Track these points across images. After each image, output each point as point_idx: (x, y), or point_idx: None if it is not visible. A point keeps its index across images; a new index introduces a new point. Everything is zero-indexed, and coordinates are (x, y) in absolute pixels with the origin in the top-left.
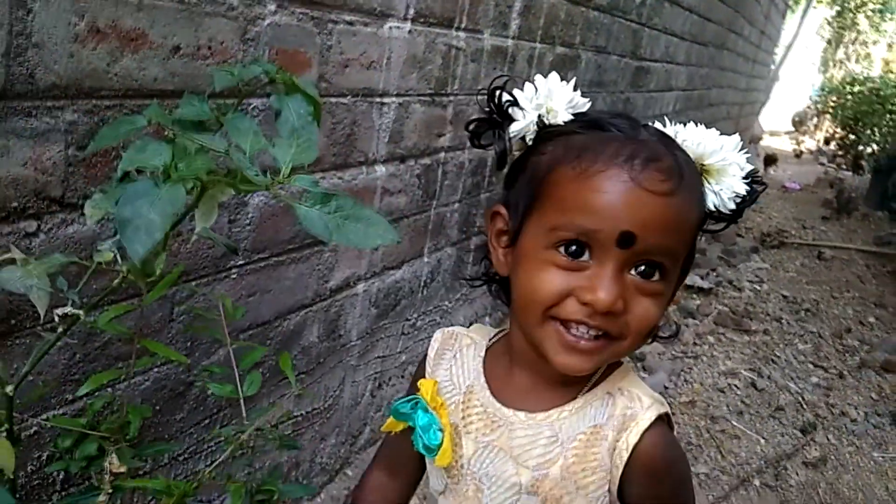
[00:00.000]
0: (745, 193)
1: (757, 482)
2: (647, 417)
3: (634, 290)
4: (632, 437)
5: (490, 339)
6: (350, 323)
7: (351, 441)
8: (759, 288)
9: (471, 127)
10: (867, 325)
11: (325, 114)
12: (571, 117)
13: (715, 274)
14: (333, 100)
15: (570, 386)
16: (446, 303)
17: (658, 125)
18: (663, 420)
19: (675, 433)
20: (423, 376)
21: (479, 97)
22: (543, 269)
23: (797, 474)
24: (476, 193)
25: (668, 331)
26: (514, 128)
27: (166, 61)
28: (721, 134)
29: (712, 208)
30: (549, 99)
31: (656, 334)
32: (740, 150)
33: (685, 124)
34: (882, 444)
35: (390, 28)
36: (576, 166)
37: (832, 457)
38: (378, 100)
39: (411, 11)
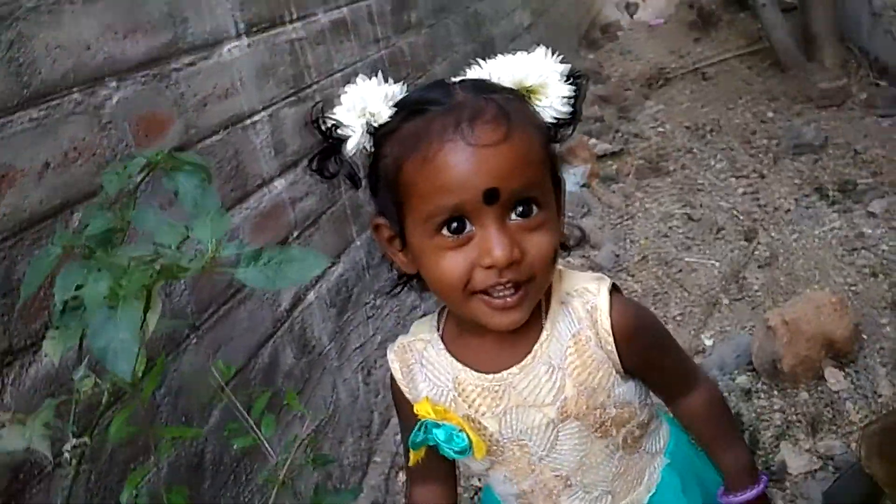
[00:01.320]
0: (572, 93)
1: (725, 300)
2: (604, 300)
3: (522, 231)
4: (605, 322)
5: (438, 329)
6: (317, 331)
7: (366, 433)
8: (662, 129)
9: (313, 166)
10: (768, 122)
11: (209, 156)
12: (393, 110)
13: (619, 134)
14: (209, 141)
15: (531, 324)
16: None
17: (470, 72)
18: (614, 291)
19: (624, 294)
20: (403, 398)
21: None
22: (439, 257)
23: (757, 278)
24: None
25: (575, 239)
26: (350, 146)
27: (42, 181)
28: (529, 52)
29: (552, 121)
30: (366, 104)
31: (568, 248)
32: (552, 58)
33: (495, 56)
34: (818, 220)
35: (229, 50)
36: (417, 157)
37: (780, 250)
38: (248, 121)
39: (241, 27)
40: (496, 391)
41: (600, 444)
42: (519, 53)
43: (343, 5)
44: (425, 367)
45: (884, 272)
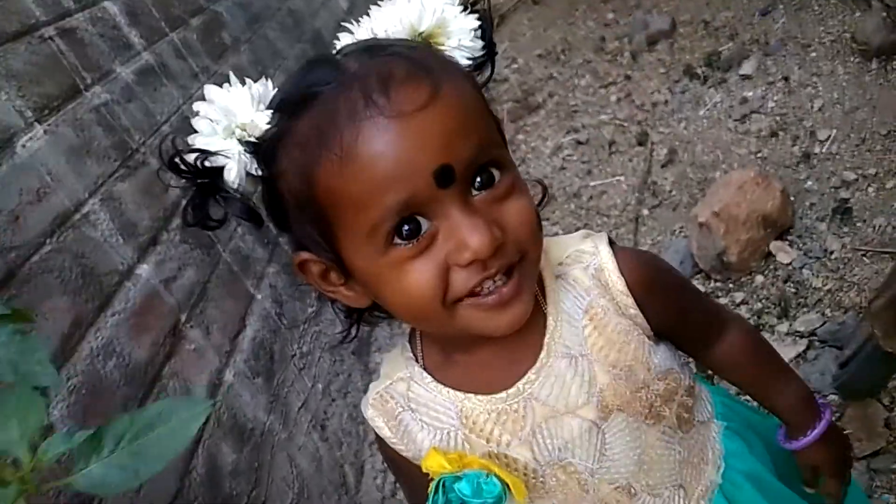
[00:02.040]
0: (478, 24)
1: (645, 211)
2: (608, 258)
3: (491, 204)
4: (618, 283)
5: (417, 360)
6: (249, 411)
7: (343, 492)
8: (517, 66)
9: (190, 220)
10: (612, 23)
11: (44, 275)
12: (270, 112)
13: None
14: (37, 257)
15: (533, 315)
16: (309, 309)
17: (349, 35)
18: (610, 242)
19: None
20: (400, 459)
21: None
22: (401, 272)
23: (665, 179)
24: None
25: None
26: (230, 177)
27: None
28: None
29: (469, 62)
30: (232, 117)
31: (544, 201)
32: None
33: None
34: (698, 101)
35: (24, 146)
36: (328, 156)
37: (676, 143)
38: (77, 216)
39: (29, 114)
40: (515, 410)
41: (655, 433)
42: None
43: (141, 50)
44: (417, 411)
45: (781, 129)
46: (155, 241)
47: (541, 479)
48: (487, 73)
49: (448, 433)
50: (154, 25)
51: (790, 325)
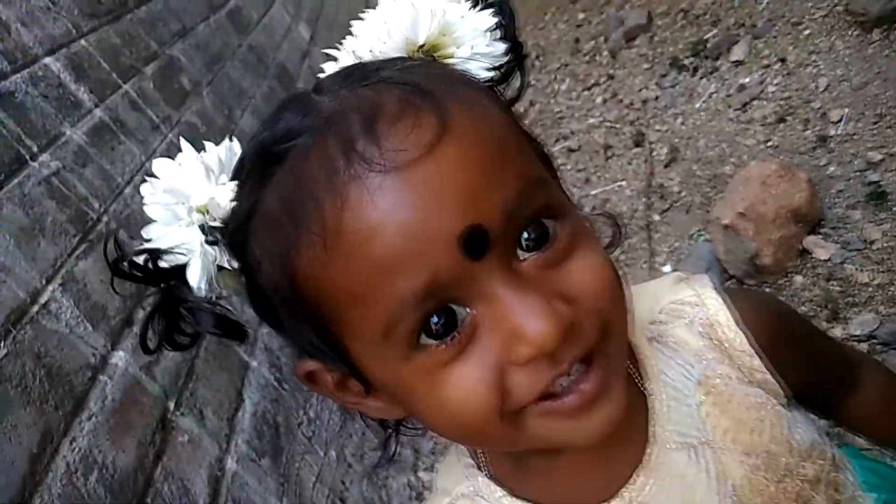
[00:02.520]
0: (496, 20)
1: (656, 217)
2: (716, 307)
3: (551, 268)
4: (740, 340)
5: (480, 467)
6: (259, 499)
7: None
8: None
9: (151, 345)
10: (584, 24)
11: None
12: (234, 187)
13: None
14: None
15: (630, 398)
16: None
17: (333, 64)
18: (716, 287)
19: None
20: None
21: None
22: (438, 382)
23: (671, 179)
24: None
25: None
26: (194, 279)
27: None
28: None
29: (489, 74)
30: (188, 199)
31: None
32: None
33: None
34: (691, 93)
35: None
36: (308, 238)
37: (675, 140)
38: (35, 308)
39: None
40: None
41: None
42: (384, 3)
43: (92, 107)
44: None
45: (788, 113)
46: (129, 322)
47: None
48: (517, 85)
49: None
50: (104, 78)
51: (844, 329)
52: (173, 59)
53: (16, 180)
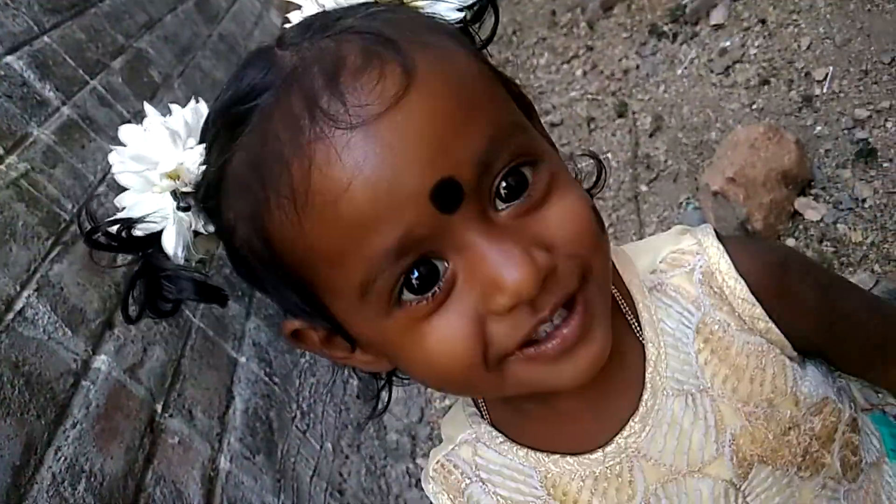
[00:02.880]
0: None
1: (643, 187)
2: (716, 255)
3: (528, 215)
4: (739, 287)
5: (482, 414)
6: (255, 497)
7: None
8: None
9: (132, 314)
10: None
11: None
12: (202, 150)
13: None
14: None
15: (621, 344)
16: (302, 360)
17: (296, 12)
18: (719, 237)
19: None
20: None
21: None
22: (419, 336)
23: (657, 148)
24: None
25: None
26: (170, 246)
27: None
28: None
29: (459, 15)
30: (154, 162)
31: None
32: None
33: None
34: (672, 60)
35: None
36: (278, 201)
37: (659, 109)
38: (11, 315)
39: None
40: (619, 474)
41: (813, 487)
42: None
43: (60, 105)
44: (489, 481)
45: (771, 75)
46: (110, 325)
47: None
48: (490, 25)
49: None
50: (70, 75)
51: None
52: (141, 51)
53: None
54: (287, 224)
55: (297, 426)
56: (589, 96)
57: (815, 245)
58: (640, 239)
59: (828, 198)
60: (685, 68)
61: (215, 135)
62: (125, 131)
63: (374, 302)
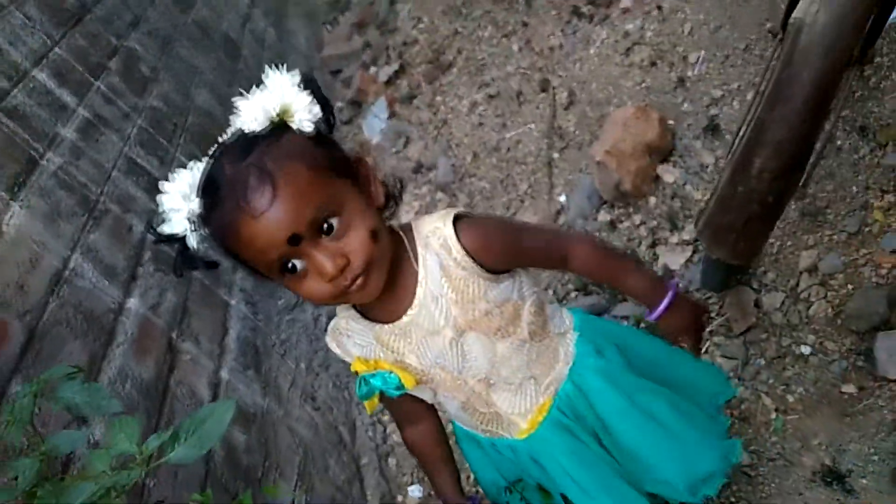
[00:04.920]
0: (312, 97)
1: (556, 155)
2: (450, 230)
3: (338, 240)
4: (456, 247)
5: (356, 307)
6: (249, 399)
7: (342, 448)
8: (423, 25)
9: (179, 272)
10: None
11: (53, 331)
12: (199, 204)
13: (391, 50)
14: (46, 317)
15: (408, 273)
16: (279, 303)
17: (233, 120)
18: (459, 218)
19: (475, 218)
20: (343, 363)
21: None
22: (301, 288)
23: (569, 121)
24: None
25: (397, 190)
26: (192, 244)
27: None
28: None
29: (311, 126)
30: (179, 211)
31: (396, 200)
32: (280, 75)
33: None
34: (588, 40)
35: (7, 224)
36: (231, 240)
37: (573, 85)
38: (66, 272)
39: (17, 204)
40: (405, 332)
41: (505, 344)
42: (253, 90)
43: (76, 107)
44: (352, 336)
45: (659, 57)
46: (134, 277)
47: (428, 375)
48: (333, 121)
49: (370, 349)
50: (80, 79)
51: (679, 236)
52: (131, 49)
53: (33, 177)
54: (236, 247)
55: (277, 351)
56: (521, 71)
57: (668, 202)
58: (551, 199)
59: (683, 164)
60: (596, 48)
61: (204, 197)
62: (164, 190)
63: (276, 275)
